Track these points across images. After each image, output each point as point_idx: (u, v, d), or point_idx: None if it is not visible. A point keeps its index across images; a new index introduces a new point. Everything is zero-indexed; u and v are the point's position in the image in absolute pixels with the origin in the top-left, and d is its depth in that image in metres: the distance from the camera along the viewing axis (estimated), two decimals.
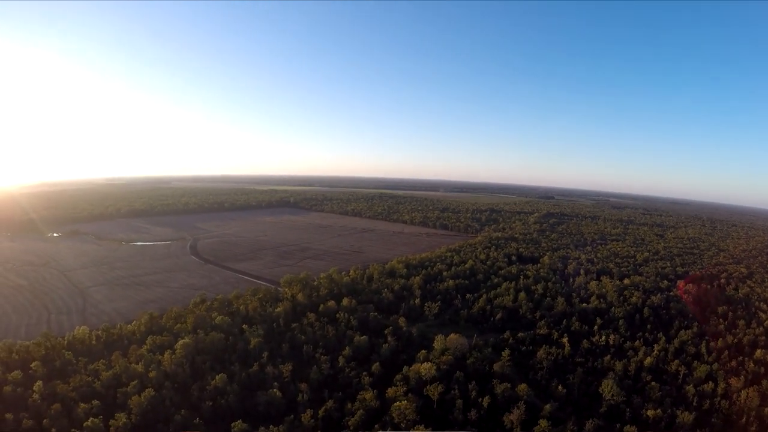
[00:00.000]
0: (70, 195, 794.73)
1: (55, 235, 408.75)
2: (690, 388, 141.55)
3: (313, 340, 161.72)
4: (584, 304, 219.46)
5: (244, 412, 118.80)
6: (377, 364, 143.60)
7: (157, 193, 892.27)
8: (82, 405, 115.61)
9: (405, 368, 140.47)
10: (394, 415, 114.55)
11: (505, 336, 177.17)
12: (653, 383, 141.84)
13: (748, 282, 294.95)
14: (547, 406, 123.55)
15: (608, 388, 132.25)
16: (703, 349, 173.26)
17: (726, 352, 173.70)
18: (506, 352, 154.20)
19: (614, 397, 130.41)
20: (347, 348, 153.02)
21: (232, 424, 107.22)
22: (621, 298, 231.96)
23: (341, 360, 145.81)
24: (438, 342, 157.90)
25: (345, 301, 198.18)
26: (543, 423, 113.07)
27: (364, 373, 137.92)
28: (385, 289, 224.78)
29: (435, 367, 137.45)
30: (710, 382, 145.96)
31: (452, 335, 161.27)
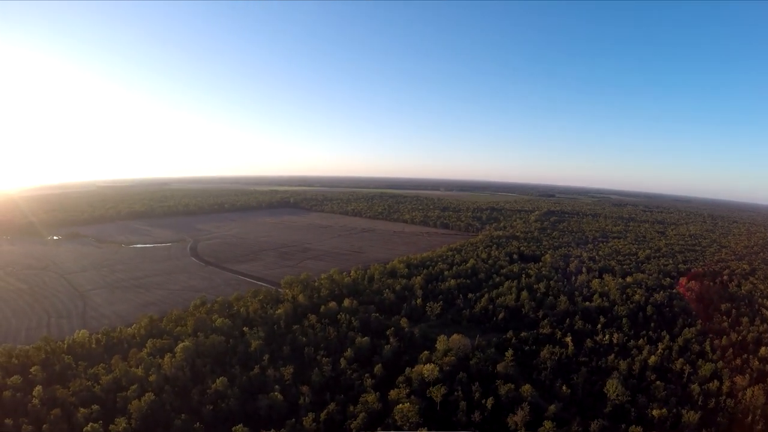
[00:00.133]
0: (70, 197, 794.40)
1: (55, 238, 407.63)
2: (695, 387, 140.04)
3: (315, 341, 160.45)
4: (587, 303, 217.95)
5: (245, 415, 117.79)
6: (379, 365, 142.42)
7: (157, 194, 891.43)
8: (82, 410, 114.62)
9: (407, 370, 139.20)
10: (396, 417, 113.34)
11: (507, 336, 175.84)
12: (658, 382, 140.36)
13: (751, 278, 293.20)
14: (552, 407, 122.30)
15: (613, 387, 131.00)
16: (708, 347, 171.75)
17: (730, 350, 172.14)
18: (509, 353, 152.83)
19: (619, 397, 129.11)
20: (349, 349, 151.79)
21: (233, 429, 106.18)
22: (624, 296, 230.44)
23: (343, 362, 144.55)
24: (440, 343, 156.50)
25: (346, 302, 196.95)
26: (548, 424, 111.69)
27: (366, 374, 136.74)
28: (387, 290, 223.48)
29: (438, 369, 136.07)
30: (715, 381, 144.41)
31: (455, 336, 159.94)
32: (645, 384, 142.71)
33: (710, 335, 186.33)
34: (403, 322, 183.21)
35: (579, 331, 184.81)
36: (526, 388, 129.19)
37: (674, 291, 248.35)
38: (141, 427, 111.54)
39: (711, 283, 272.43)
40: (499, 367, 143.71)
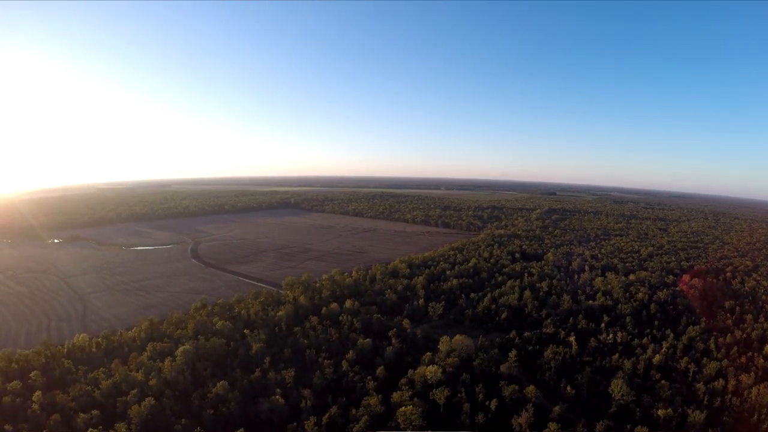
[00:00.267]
0: (70, 200, 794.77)
1: (55, 241, 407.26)
2: (700, 386, 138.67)
3: (316, 344, 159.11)
4: (590, 302, 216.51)
5: (246, 419, 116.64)
6: (381, 367, 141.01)
7: (157, 196, 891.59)
8: (82, 415, 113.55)
9: (410, 371, 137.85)
10: (399, 420, 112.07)
11: (511, 336, 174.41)
12: (663, 381, 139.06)
13: (754, 275, 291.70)
14: (556, 408, 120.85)
15: (618, 387, 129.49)
16: (712, 345, 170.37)
17: (735, 347, 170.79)
18: (513, 353, 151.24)
19: (624, 397, 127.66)
20: (351, 351, 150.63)
21: None
22: (627, 294, 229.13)
23: (345, 364, 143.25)
24: (443, 343, 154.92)
25: (348, 303, 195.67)
26: (553, 426, 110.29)
27: (369, 377, 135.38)
28: (388, 290, 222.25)
29: (441, 370, 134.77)
30: (720, 380, 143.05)
31: (457, 336, 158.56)
32: (650, 383, 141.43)
33: (714, 333, 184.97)
34: (405, 322, 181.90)
35: (582, 330, 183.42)
36: (530, 389, 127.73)
37: (677, 289, 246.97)
38: None
39: (714, 281, 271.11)
40: (503, 368, 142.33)
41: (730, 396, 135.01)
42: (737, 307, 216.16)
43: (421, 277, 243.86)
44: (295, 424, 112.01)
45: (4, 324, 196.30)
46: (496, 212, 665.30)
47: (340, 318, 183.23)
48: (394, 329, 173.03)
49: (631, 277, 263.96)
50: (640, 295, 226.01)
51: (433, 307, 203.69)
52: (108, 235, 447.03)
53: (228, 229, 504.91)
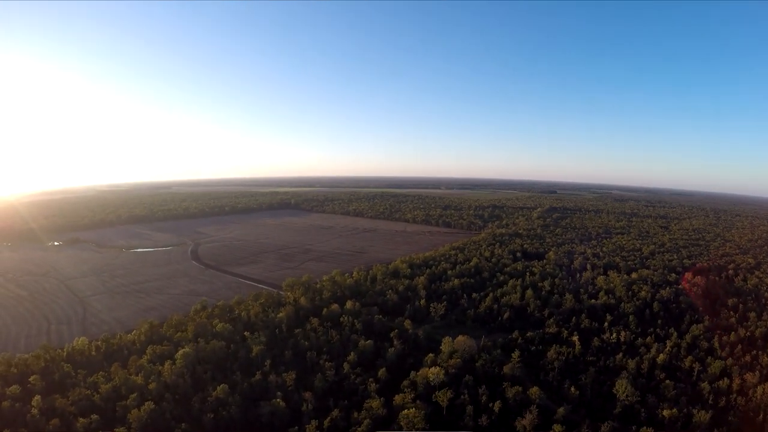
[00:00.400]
0: (69, 203, 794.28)
1: (55, 243, 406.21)
2: (705, 385, 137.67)
3: (317, 345, 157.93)
4: (593, 300, 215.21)
5: (247, 423, 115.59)
6: (383, 369, 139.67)
7: (157, 198, 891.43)
8: (81, 420, 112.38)
9: (412, 373, 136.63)
10: (402, 423, 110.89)
11: (513, 336, 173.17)
12: (667, 381, 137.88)
13: (756, 272, 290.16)
14: (561, 410, 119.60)
15: (622, 388, 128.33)
16: (716, 344, 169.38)
17: (739, 346, 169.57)
18: (516, 354, 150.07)
19: (628, 398, 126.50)
20: (352, 353, 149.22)
21: None
22: (630, 292, 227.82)
23: (346, 366, 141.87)
24: (445, 344, 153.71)
25: (349, 304, 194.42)
26: (557, 428, 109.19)
27: (370, 379, 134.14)
28: (390, 290, 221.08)
29: (443, 372, 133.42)
30: (725, 379, 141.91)
31: (460, 337, 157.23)
32: (654, 383, 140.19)
33: (718, 331, 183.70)
34: (407, 323, 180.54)
35: (586, 329, 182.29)
36: (534, 390, 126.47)
37: (680, 287, 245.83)
38: None
39: (717, 278, 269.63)
40: (506, 369, 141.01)
41: (735, 395, 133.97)
42: (740, 305, 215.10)
43: (422, 277, 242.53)
44: (296, 427, 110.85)
45: (4, 327, 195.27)
46: (496, 211, 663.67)
47: (341, 319, 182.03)
48: (396, 330, 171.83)
49: (634, 275, 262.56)
50: (642, 293, 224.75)
51: (434, 308, 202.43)
52: (108, 237, 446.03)
53: (228, 230, 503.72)
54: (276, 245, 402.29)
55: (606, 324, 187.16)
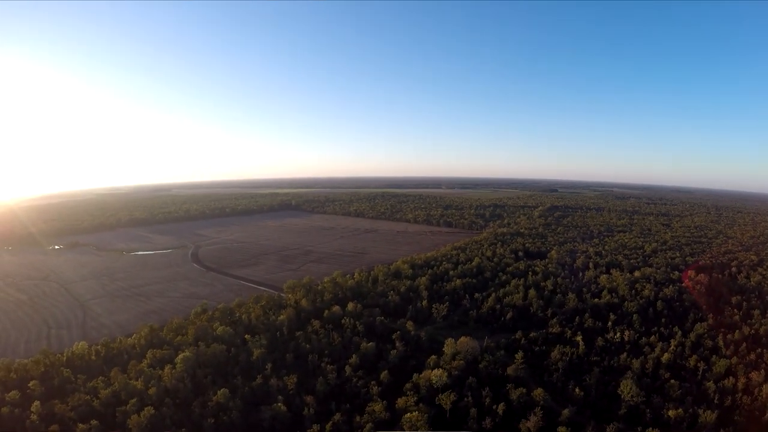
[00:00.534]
0: (70, 206, 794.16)
1: (55, 247, 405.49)
2: (710, 385, 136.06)
3: (319, 348, 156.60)
4: (596, 300, 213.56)
5: (248, 428, 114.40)
6: (385, 372, 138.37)
7: (157, 201, 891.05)
8: (81, 425, 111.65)
9: (415, 375, 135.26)
10: (405, 426, 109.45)
11: (516, 336, 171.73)
12: (672, 381, 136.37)
13: (759, 269, 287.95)
14: (565, 411, 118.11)
15: (627, 388, 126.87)
16: (721, 342, 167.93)
17: (743, 344, 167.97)
18: (520, 355, 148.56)
19: (633, 398, 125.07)
20: (354, 356, 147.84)
21: None
22: (633, 291, 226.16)
23: (348, 369, 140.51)
24: (448, 346, 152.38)
25: (350, 306, 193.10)
26: (562, 430, 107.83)
27: (372, 382, 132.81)
28: (391, 292, 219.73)
29: (446, 374, 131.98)
30: (730, 378, 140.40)
31: (462, 338, 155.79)
32: (659, 383, 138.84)
33: (722, 329, 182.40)
34: (409, 325, 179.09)
35: (589, 329, 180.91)
36: (539, 392, 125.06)
37: (683, 285, 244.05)
38: None
39: (720, 276, 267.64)
40: (510, 370, 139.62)
41: (740, 394, 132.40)
42: (744, 303, 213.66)
43: (424, 278, 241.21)
44: None
45: (4, 332, 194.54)
46: (498, 210, 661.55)
47: (343, 321, 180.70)
48: (398, 332, 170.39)
49: (636, 273, 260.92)
50: (646, 292, 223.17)
51: (436, 309, 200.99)
52: (108, 240, 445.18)
53: (229, 232, 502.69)
54: (277, 247, 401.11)
55: (609, 323, 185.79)
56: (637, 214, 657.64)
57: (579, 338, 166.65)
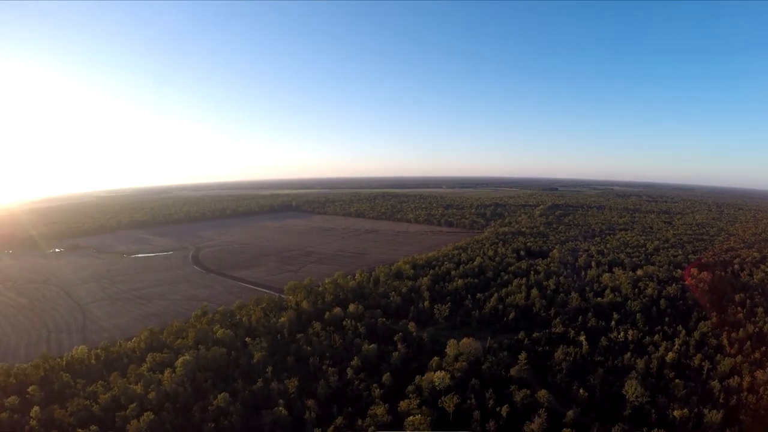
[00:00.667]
0: (70, 209, 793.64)
1: (56, 250, 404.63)
2: (715, 384, 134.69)
3: (320, 350, 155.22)
4: (599, 299, 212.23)
5: None
6: (388, 374, 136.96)
7: (158, 203, 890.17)
8: (80, 431, 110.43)
9: (417, 377, 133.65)
10: (407, 430, 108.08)
11: (519, 337, 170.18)
12: (677, 381, 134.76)
13: (762, 266, 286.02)
14: (570, 413, 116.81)
15: (632, 389, 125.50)
16: (725, 341, 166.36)
17: (748, 342, 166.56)
18: (523, 355, 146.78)
19: (638, 399, 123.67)
20: (355, 358, 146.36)
21: None
22: (636, 290, 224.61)
23: (350, 371, 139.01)
24: (450, 347, 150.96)
25: (351, 307, 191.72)
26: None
27: (374, 384, 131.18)
28: (393, 292, 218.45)
29: (449, 376, 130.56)
30: (735, 377, 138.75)
31: (465, 339, 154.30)
32: (664, 383, 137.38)
33: (726, 328, 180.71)
34: (411, 326, 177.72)
35: (592, 328, 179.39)
36: (542, 393, 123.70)
37: (685, 283, 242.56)
38: None
39: (723, 273, 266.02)
40: (513, 372, 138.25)
41: (745, 393, 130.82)
42: (747, 300, 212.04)
43: (425, 278, 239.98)
44: None
45: (4, 336, 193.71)
46: (498, 209, 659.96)
47: (344, 323, 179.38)
48: (400, 333, 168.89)
49: (639, 272, 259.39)
50: (649, 290, 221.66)
51: (438, 309, 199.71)
52: (108, 243, 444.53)
53: (229, 233, 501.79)
54: (277, 248, 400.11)
55: (613, 323, 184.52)
56: (638, 211, 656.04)
57: (582, 338, 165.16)
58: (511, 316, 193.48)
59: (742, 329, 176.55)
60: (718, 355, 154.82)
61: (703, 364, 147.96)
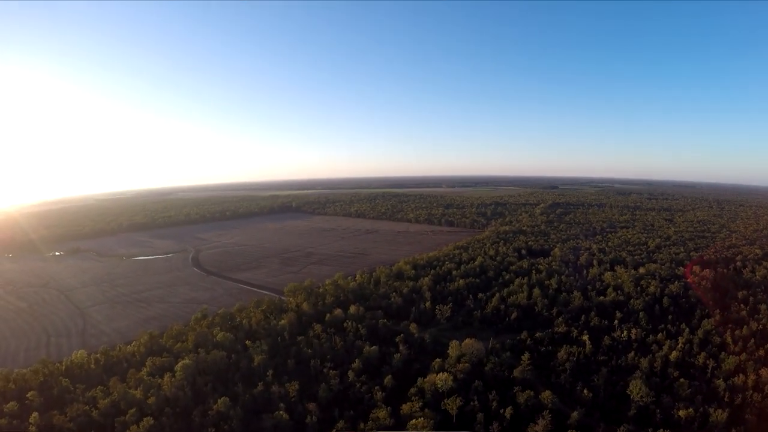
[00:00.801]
0: (70, 212, 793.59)
1: (56, 254, 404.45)
2: (720, 382, 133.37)
3: (321, 353, 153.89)
4: (601, 297, 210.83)
5: None
6: (389, 376, 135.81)
7: (158, 205, 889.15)
8: None
9: (419, 379, 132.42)
10: None
11: (522, 337, 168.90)
12: (682, 380, 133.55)
13: (764, 263, 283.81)
14: (574, 414, 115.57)
15: (636, 388, 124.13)
16: (729, 339, 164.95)
17: (752, 340, 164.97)
18: (526, 356, 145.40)
19: (643, 398, 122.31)
20: (357, 360, 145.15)
21: None
22: (638, 288, 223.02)
23: (351, 374, 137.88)
24: (453, 348, 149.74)
25: (352, 309, 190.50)
26: None
27: (376, 387, 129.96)
28: (394, 293, 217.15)
29: (451, 377, 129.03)
30: (740, 375, 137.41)
31: (467, 340, 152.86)
32: (668, 382, 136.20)
33: (730, 325, 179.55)
34: (413, 327, 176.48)
35: (595, 327, 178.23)
36: (546, 394, 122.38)
37: (687, 280, 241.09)
38: None
39: (725, 270, 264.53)
40: (516, 372, 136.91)
41: (750, 392, 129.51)
42: (750, 297, 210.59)
43: (426, 279, 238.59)
44: None
45: (3, 341, 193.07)
46: (499, 208, 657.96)
47: (345, 324, 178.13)
48: (401, 334, 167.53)
49: (641, 270, 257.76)
50: (651, 288, 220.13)
51: (440, 310, 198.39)
52: (108, 246, 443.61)
53: (229, 235, 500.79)
54: (277, 249, 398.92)
55: (616, 321, 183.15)
56: (639, 209, 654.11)
57: (585, 337, 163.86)
58: (514, 315, 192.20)
59: (745, 326, 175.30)
60: (722, 353, 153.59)
61: (708, 362, 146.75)
